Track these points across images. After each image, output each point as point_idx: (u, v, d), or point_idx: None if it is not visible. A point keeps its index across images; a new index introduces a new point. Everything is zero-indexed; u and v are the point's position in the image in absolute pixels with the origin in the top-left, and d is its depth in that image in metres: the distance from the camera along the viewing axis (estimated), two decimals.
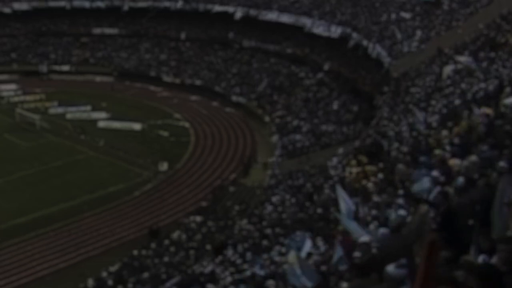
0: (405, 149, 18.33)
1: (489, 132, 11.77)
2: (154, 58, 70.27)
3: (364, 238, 9.11)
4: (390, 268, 5.90)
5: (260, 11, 65.62)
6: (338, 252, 10.00)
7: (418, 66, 40.07)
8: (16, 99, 60.78)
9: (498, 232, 5.62)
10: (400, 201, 10.82)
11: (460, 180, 8.69)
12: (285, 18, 63.16)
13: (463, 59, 28.62)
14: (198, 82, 64.66)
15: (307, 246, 13.17)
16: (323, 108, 52.82)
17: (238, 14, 66.94)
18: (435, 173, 9.99)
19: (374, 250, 8.35)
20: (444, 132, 14.97)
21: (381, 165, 17.93)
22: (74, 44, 73.17)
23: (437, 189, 9.03)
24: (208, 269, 22.58)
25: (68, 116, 55.54)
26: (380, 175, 16.52)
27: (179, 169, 45.48)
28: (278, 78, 60.84)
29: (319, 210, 20.86)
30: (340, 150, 33.38)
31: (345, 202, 11.86)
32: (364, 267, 7.76)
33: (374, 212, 12.14)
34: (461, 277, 5.45)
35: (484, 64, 26.98)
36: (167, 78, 66.65)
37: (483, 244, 5.73)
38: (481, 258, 5.31)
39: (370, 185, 15.99)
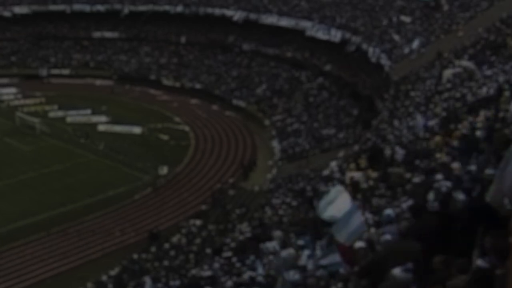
0: (403, 152, 18.37)
1: (489, 136, 11.80)
2: (154, 62, 70.30)
3: (360, 243, 9.14)
4: (397, 271, 5.92)
5: (260, 14, 65.65)
6: (334, 257, 9.99)
7: (418, 70, 40.12)
8: (16, 102, 60.79)
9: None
10: (403, 204, 10.86)
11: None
12: (285, 22, 63.19)
13: (465, 63, 28.72)
14: (198, 86, 64.66)
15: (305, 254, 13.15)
16: (323, 111, 52.87)
17: (238, 18, 66.98)
18: (438, 176, 10.04)
19: (371, 255, 8.39)
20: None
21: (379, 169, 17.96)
22: (74, 47, 73.22)
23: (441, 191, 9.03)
24: (208, 272, 22.56)
25: (68, 119, 55.56)
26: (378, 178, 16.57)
27: (179, 173, 45.50)
28: (278, 81, 60.89)
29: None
30: (340, 154, 33.42)
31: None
32: (365, 270, 7.78)
33: (373, 216, 12.15)
34: (462, 282, 5.48)
35: (485, 67, 27.07)
36: (167, 82, 66.66)
37: (486, 247, 5.73)
38: (480, 261, 5.32)
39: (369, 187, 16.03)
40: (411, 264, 6.14)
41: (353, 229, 9.67)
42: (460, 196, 8.31)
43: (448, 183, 9.33)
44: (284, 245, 15.03)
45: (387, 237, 8.96)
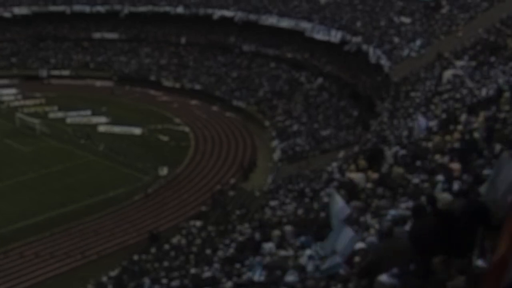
0: (403, 153, 18.37)
1: (489, 136, 11.81)
2: (154, 63, 70.29)
3: (361, 244, 9.15)
4: (383, 277, 5.92)
5: (260, 15, 65.64)
6: (334, 258, 10.00)
7: (418, 70, 40.12)
8: (16, 103, 60.77)
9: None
10: (402, 205, 10.86)
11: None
12: (285, 23, 63.18)
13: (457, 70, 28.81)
14: (198, 87, 64.66)
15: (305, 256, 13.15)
16: (323, 112, 52.86)
17: (238, 19, 66.97)
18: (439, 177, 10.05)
19: (370, 256, 8.40)
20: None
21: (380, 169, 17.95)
22: (74, 48, 73.20)
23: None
24: (208, 273, 22.53)
25: (68, 120, 55.57)
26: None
27: (179, 174, 45.49)
28: (278, 82, 60.89)
29: (322, 214, 20.81)
30: (340, 155, 33.41)
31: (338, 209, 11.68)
32: (365, 271, 7.79)
33: (373, 217, 12.15)
34: (462, 283, 5.49)
35: (485, 68, 27.08)
36: (167, 83, 66.65)
37: (487, 247, 5.75)
38: (480, 262, 5.34)
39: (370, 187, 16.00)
40: (396, 269, 6.15)
41: (342, 248, 9.63)
42: (446, 197, 8.32)
43: (444, 184, 9.36)
44: (281, 245, 15.02)
45: (372, 239, 8.97)
